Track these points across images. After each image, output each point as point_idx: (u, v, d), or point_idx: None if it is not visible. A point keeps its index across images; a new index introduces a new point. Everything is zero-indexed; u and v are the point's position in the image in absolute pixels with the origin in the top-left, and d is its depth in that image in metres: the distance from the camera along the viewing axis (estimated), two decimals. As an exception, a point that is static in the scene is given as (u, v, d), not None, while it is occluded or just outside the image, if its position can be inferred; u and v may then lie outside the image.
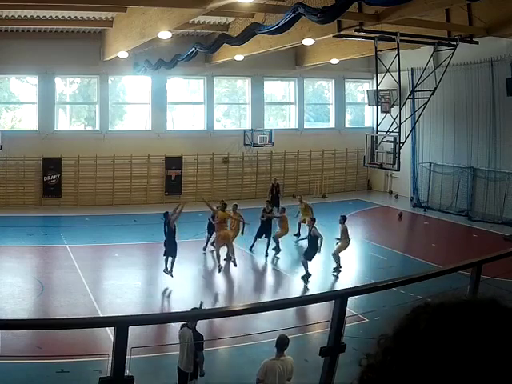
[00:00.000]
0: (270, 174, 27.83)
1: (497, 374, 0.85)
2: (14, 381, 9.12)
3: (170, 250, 14.90)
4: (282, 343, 7.70)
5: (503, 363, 0.85)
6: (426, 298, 1.01)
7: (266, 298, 14.47)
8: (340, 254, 16.18)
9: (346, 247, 16.27)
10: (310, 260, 15.27)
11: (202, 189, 26.71)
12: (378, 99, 21.51)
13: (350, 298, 3.79)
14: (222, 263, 15.79)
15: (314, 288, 15.21)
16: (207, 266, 17.48)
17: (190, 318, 7.96)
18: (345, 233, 16.12)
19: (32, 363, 9.96)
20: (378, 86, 19.55)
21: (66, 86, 26.29)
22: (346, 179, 29.48)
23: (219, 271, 15.54)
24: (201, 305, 9.91)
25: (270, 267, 17.04)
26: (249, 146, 27.16)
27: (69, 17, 21.33)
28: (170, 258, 14.92)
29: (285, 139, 27.28)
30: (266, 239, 17.49)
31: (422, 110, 20.37)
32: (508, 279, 9.00)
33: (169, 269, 14.88)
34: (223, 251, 16.05)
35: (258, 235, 17.67)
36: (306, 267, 15.14)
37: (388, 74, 18.74)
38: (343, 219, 16.27)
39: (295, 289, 15.00)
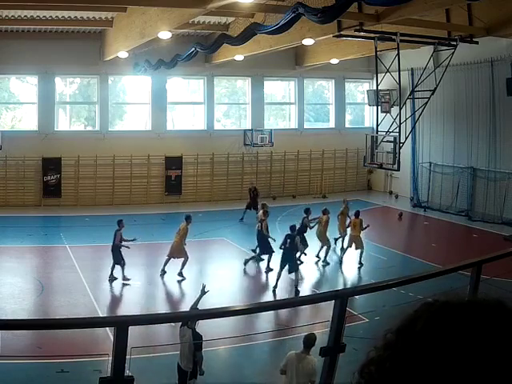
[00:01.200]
0: (270, 173, 27.87)
1: (498, 377, 0.83)
2: (13, 381, 9.12)
3: (118, 259, 14.92)
4: (307, 341, 7.68)
5: (507, 367, 0.83)
6: (427, 297, 1.00)
7: (266, 298, 14.48)
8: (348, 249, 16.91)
9: (354, 241, 16.71)
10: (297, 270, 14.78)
11: (202, 189, 26.74)
12: (378, 99, 21.51)
13: (350, 298, 3.79)
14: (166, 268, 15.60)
15: (314, 288, 15.23)
16: (207, 267, 17.52)
17: (190, 317, 7.97)
18: (359, 225, 16.77)
19: (32, 363, 9.96)
20: (378, 86, 19.55)
21: (66, 86, 26.30)
22: (346, 179, 29.49)
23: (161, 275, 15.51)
24: (203, 288, 9.80)
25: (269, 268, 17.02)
26: (249, 146, 27.15)
27: (69, 17, 21.33)
28: (117, 266, 14.94)
29: (285, 139, 27.28)
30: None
31: (422, 110, 20.36)
32: (508, 279, 8.99)
33: (112, 275, 14.92)
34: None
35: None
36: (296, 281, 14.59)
37: (388, 73, 18.74)
38: (358, 213, 17.14)
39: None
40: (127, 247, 15.25)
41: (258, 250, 16.81)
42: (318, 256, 17.09)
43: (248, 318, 11.50)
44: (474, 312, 0.90)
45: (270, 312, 12.06)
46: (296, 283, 14.43)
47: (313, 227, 17.11)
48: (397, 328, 0.94)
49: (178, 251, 15.56)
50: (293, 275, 14.64)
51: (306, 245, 16.65)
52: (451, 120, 24.65)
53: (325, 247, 17.02)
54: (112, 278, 14.98)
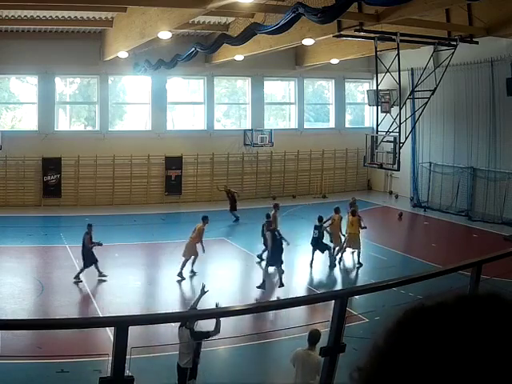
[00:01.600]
0: (270, 173, 27.87)
1: (498, 378, 0.78)
2: (13, 381, 9.12)
3: (92, 260, 14.95)
4: (312, 338, 7.75)
5: (506, 368, 0.78)
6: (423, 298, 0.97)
7: (266, 298, 14.47)
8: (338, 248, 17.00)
9: (352, 240, 16.75)
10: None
11: (202, 189, 26.73)
12: (378, 99, 21.51)
13: (350, 298, 3.79)
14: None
15: (315, 288, 15.22)
16: (207, 267, 17.49)
17: (190, 317, 7.97)
18: (357, 223, 16.84)
19: (32, 363, 9.96)
20: (378, 86, 19.55)
21: (66, 86, 26.30)
22: (346, 179, 29.49)
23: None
24: (203, 288, 9.80)
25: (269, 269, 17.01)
26: (249, 146, 27.16)
27: (69, 17, 21.34)
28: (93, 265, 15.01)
29: (285, 139, 27.28)
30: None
31: (422, 110, 20.36)
32: (508, 279, 8.99)
33: (100, 273, 14.99)
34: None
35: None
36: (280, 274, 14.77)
37: (388, 73, 18.74)
38: (354, 211, 17.24)
39: (295, 289, 14.99)
40: (99, 244, 15.15)
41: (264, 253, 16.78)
42: (339, 259, 17.13)
43: (248, 318, 11.51)
44: (466, 310, 0.84)
45: (269, 312, 12.06)
46: (280, 276, 14.68)
47: (327, 228, 17.09)
48: (385, 331, 0.88)
49: (190, 249, 15.59)
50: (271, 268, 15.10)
51: (328, 248, 16.71)
52: (451, 120, 24.65)
53: (337, 248, 17.03)
54: (101, 275, 14.95)
